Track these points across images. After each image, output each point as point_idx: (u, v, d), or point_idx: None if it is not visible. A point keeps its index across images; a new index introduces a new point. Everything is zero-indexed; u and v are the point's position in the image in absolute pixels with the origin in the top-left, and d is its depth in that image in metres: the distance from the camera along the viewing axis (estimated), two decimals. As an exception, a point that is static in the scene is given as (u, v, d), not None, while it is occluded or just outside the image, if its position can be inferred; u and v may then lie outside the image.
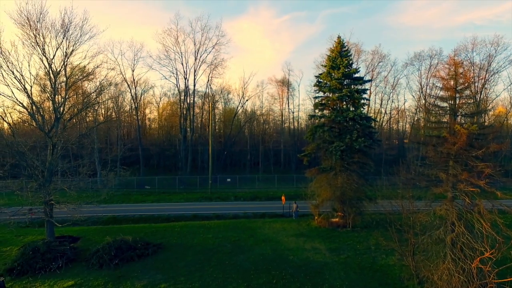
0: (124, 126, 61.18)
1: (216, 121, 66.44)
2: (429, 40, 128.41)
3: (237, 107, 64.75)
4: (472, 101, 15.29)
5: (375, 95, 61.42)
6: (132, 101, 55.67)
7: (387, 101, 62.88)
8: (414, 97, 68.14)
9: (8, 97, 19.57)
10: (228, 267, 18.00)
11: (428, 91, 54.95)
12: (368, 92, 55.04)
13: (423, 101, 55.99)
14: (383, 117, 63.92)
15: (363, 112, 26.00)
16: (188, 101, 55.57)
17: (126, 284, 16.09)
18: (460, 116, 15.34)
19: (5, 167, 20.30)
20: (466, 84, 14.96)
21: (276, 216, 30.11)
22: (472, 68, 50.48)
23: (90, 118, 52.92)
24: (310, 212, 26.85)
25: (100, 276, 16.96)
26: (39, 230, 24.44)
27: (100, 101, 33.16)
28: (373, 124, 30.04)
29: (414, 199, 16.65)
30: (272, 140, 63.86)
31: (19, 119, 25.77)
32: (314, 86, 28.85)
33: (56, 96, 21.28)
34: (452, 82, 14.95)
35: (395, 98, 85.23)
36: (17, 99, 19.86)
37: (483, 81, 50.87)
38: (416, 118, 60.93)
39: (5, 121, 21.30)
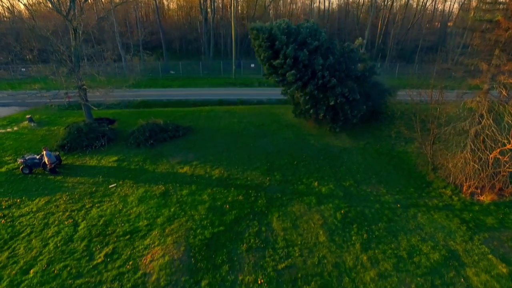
0: (141, 7, 57.52)
1: (239, 0, 60.61)
2: None
3: (262, -16, 57.78)
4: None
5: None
6: (146, -24, 50.66)
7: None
8: (470, -32, 56.96)
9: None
10: (252, 149, 19.47)
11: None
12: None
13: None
14: (428, -6, 55.60)
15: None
16: (207, -25, 49.81)
17: (162, 161, 18.13)
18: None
19: (34, 52, 20.69)
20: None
21: (299, 103, 30.41)
22: None
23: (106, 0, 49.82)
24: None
25: (138, 153, 19.04)
26: (78, 112, 26.44)
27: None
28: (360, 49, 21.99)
29: (446, 90, 15.97)
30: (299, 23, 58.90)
31: (35, 0, 24.72)
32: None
33: (67, -28, 19.65)
34: None
35: (447, -31, 71.95)
36: (27, -23, 18.59)
37: None
38: (468, -4, 52.61)
39: (20, 1, 20.56)
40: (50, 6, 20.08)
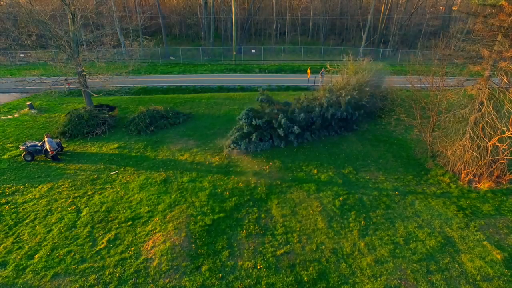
0: (140, -11, 56.48)
1: (239, -17, 59.35)
2: None
3: (263, -35, 56.44)
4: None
5: None
6: (144, -42, 49.48)
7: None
8: None
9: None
10: (252, 137, 19.49)
11: None
12: None
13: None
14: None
15: None
16: (206, -43, 48.59)
17: (163, 148, 18.23)
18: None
19: (32, 38, 20.50)
20: None
21: (300, 89, 30.27)
22: None
23: (103, -19, 48.82)
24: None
25: (139, 140, 19.14)
26: (79, 99, 26.43)
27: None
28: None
29: (447, 76, 15.86)
30: (300, 7, 57.83)
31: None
32: None
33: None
34: None
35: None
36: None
37: None
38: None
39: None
40: (47, -10, 19.78)
